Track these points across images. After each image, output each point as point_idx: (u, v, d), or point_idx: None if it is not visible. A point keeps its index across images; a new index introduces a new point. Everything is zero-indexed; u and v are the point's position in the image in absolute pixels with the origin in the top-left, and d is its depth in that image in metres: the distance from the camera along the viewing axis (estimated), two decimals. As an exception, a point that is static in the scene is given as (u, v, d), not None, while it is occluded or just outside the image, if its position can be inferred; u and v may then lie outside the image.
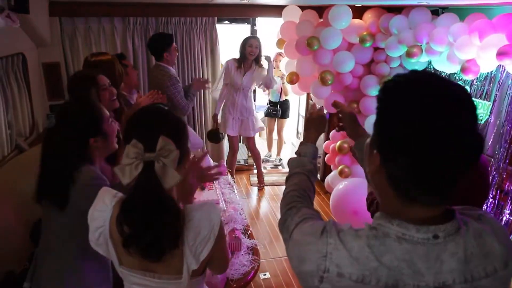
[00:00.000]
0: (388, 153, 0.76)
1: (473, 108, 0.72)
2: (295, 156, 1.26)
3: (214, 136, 4.20)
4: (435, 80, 0.75)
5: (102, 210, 1.16)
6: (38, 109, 3.43)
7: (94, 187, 1.34)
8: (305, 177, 1.14)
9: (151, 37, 3.35)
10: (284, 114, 5.40)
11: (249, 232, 2.27)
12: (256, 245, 2.16)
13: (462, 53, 2.58)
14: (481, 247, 0.76)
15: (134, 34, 3.82)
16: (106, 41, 3.76)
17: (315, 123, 1.34)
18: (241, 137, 4.66)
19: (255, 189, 4.63)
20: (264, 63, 4.05)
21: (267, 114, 5.40)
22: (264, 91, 4.41)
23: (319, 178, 4.73)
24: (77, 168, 1.48)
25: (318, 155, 4.76)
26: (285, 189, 1.13)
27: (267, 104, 5.41)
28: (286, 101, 5.39)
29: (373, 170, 0.81)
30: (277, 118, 5.43)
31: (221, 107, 4.14)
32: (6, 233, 2.29)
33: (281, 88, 5.18)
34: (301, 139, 1.33)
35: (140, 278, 1.15)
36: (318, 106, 1.40)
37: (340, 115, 1.37)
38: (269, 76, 3.98)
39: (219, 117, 4.19)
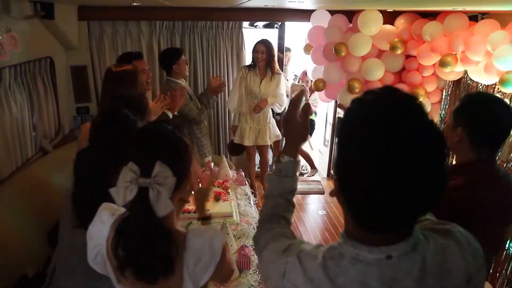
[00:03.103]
0: (345, 183, 0.74)
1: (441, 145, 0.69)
2: (274, 171, 1.08)
3: (236, 148, 4.05)
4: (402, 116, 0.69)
5: (100, 228, 1.15)
6: (64, 112, 3.50)
7: None
8: (284, 201, 1.07)
9: (161, 52, 3.34)
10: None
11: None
12: (267, 263, 2.06)
13: (501, 64, 2.37)
14: (442, 264, 0.75)
15: (160, 37, 3.82)
16: (133, 44, 3.78)
17: (296, 130, 1.05)
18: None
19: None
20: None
21: None
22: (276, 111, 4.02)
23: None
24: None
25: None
26: (262, 209, 1.11)
27: None
28: (311, 121, 4.74)
29: (334, 193, 0.80)
30: None
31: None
32: (25, 235, 2.33)
33: None
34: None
35: None
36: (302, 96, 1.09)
37: None
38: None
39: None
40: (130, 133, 1.33)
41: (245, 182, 2.95)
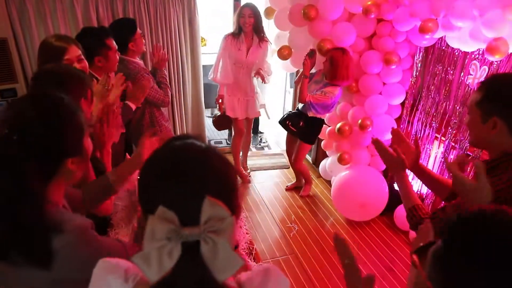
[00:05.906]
0: None
1: None
2: None
3: (224, 121, 3.79)
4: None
5: None
6: (-16, 98, 2.86)
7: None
8: None
9: (110, 26, 2.68)
10: (308, 136, 3.51)
11: (254, 252, 1.93)
12: (265, 269, 1.82)
13: (491, 31, 2.23)
14: None
15: (98, 3, 3.20)
16: (64, 12, 3.14)
17: (476, 192, 1.06)
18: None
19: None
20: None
21: (283, 123, 3.61)
22: (263, 82, 3.66)
23: (311, 161, 4.43)
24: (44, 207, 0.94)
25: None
26: None
27: (290, 111, 3.75)
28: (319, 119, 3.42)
29: None
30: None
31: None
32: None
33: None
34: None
35: None
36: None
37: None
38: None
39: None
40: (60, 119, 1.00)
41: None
